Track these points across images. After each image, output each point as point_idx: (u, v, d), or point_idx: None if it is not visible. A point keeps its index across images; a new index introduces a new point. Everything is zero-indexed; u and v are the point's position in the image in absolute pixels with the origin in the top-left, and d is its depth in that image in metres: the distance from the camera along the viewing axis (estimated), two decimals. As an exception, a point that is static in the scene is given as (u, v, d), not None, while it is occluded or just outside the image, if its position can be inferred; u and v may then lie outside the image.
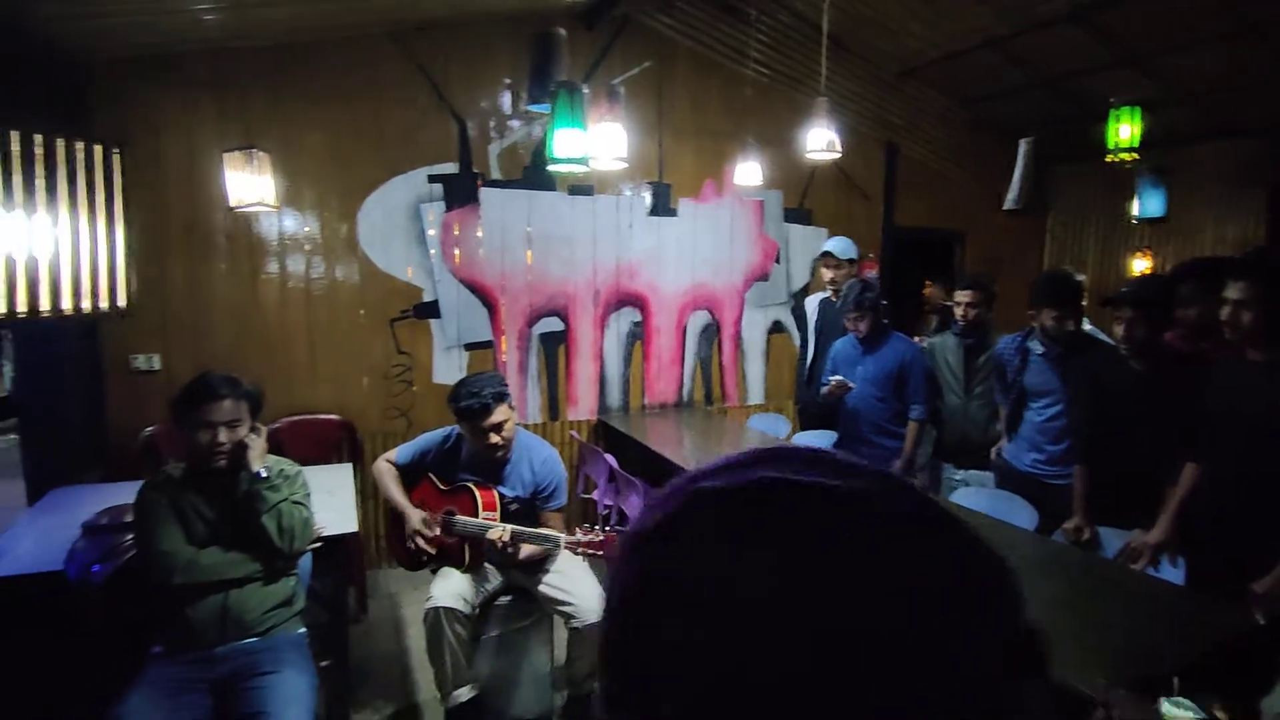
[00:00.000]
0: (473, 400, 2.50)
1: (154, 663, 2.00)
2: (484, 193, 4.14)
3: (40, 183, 0.99)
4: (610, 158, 2.03)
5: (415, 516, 2.60)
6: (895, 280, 5.31)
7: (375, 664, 3.14)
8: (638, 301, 4.62)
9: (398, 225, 3.98)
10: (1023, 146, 3.11)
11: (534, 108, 2.19)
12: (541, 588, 2.63)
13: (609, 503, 3.66)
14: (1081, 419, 2.74)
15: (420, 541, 2.55)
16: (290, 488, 2.13)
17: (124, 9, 2.66)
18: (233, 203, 2.76)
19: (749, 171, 3.81)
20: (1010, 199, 3.10)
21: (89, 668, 2.17)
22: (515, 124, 4.19)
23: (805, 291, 4.98)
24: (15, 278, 0.89)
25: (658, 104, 4.42)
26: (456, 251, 4.12)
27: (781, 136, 4.58)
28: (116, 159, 1.14)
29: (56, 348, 3.12)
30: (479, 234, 4.15)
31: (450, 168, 4.06)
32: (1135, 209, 4.73)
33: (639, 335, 4.65)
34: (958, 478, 3.40)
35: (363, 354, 3.98)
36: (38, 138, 1.01)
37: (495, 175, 4.16)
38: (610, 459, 3.61)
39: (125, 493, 2.71)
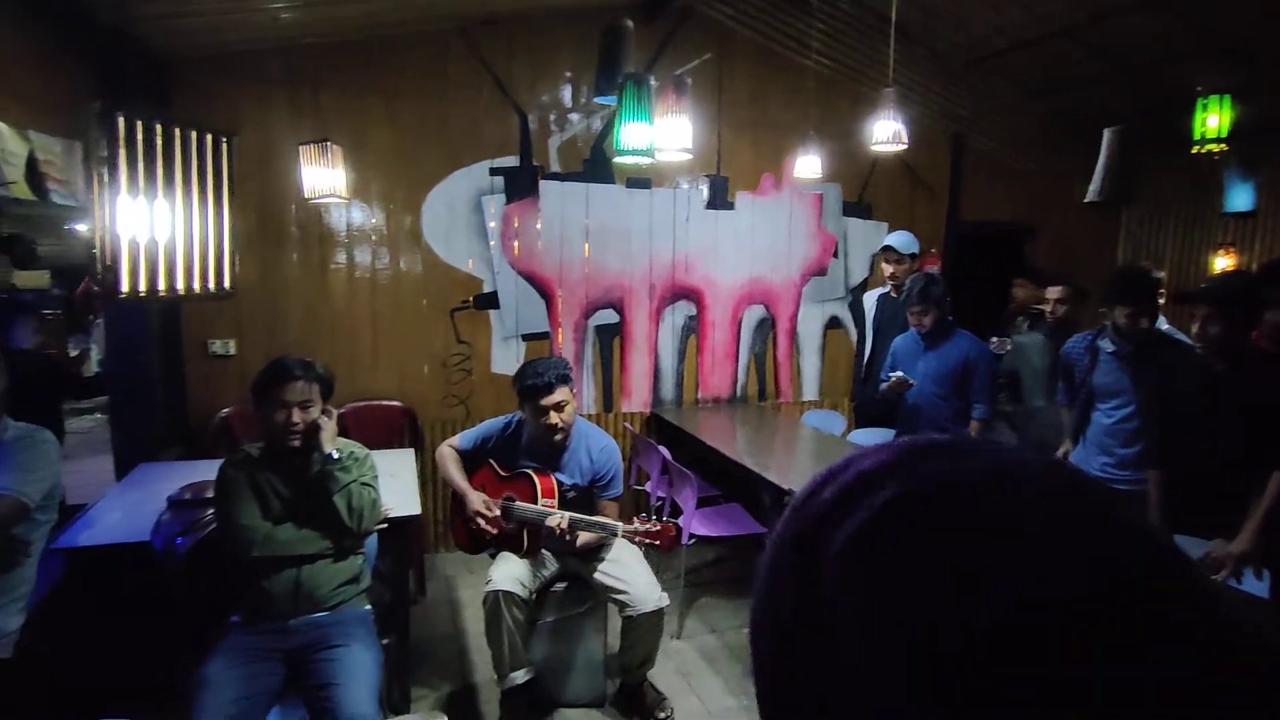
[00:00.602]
0: (536, 379, 2.57)
1: (233, 631, 2.10)
2: (543, 185, 4.19)
3: (160, 170, 1.05)
4: (675, 149, 2.03)
5: (476, 498, 2.66)
6: (959, 277, 5.17)
7: (433, 644, 3.23)
8: (693, 295, 4.62)
9: (460, 217, 4.07)
10: (1108, 135, 2.98)
11: (601, 99, 2.20)
12: (597, 575, 2.66)
13: (661, 494, 3.68)
14: (1155, 421, 2.63)
15: (481, 522, 2.61)
16: (360, 469, 2.21)
17: (208, 9, 2.78)
18: (307, 194, 2.86)
19: (808, 164, 3.76)
20: (1093, 191, 2.98)
21: (174, 632, 2.30)
22: (575, 117, 4.23)
23: (864, 287, 4.89)
24: (138, 260, 0.96)
25: (717, 96, 4.39)
26: (516, 243, 4.18)
27: (842, 129, 4.51)
28: (225, 148, 1.20)
29: (142, 332, 3.29)
30: (538, 226, 4.21)
31: (511, 161, 4.12)
32: (1221, 203, 4.50)
33: (693, 329, 4.65)
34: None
35: (424, 343, 4.08)
36: (158, 127, 1.07)
37: (555, 168, 4.21)
38: (664, 451, 3.63)
39: (204, 470, 2.86)
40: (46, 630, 1.95)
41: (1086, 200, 2.88)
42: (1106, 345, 2.86)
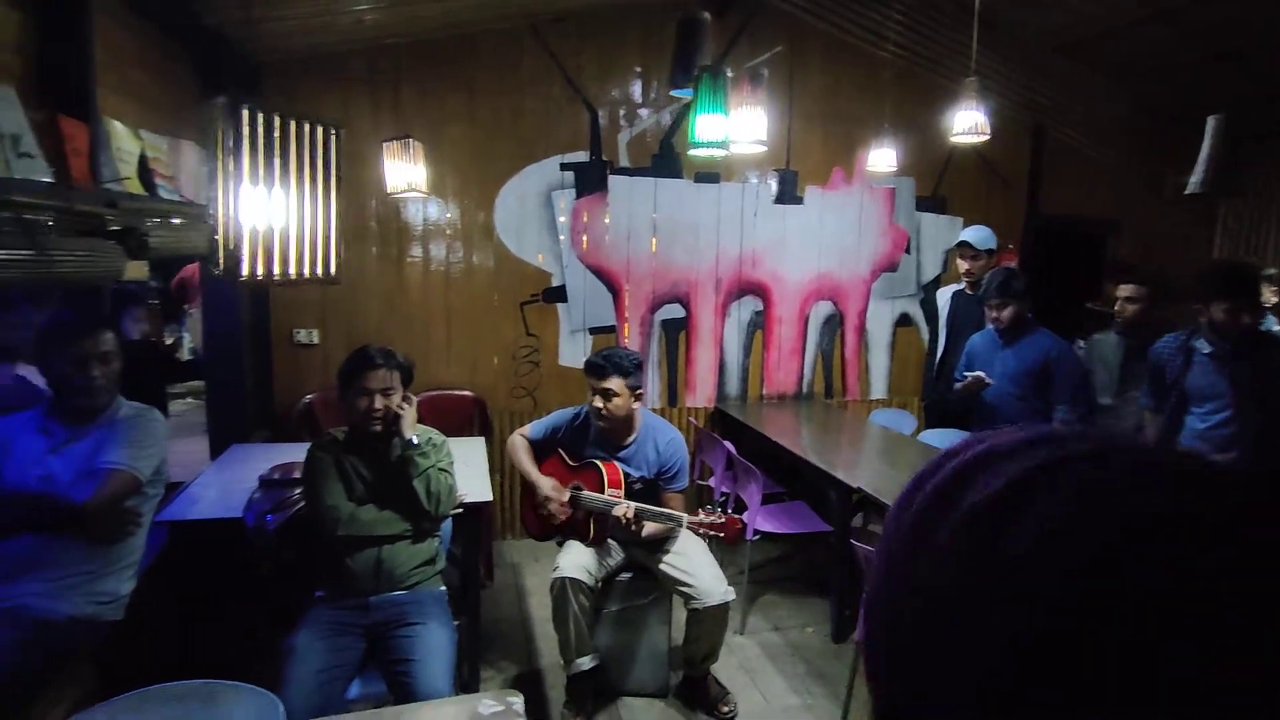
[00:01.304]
0: (597, 358, 2.66)
1: (317, 605, 2.21)
2: (612, 180, 4.23)
3: (277, 161, 1.12)
4: (750, 141, 2.03)
5: (545, 483, 2.72)
6: (1037, 274, 4.97)
7: (500, 628, 3.32)
8: (760, 290, 4.58)
9: (530, 212, 4.14)
10: (1211, 124, 2.81)
11: (676, 93, 2.21)
12: (663, 567, 2.68)
13: (726, 489, 3.67)
14: (1253, 426, 2.48)
15: (552, 507, 2.67)
16: (438, 455, 2.29)
17: (301, 12, 2.92)
18: (389, 189, 2.97)
19: (881, 158, 3.68)
20: (1193, 183, 2.81)
21: (261, 603, 2.44)
22: (644, 112, 4.25)
23: (936, 284, 4.76)
24: (257, 247, 1.03)
25: (788, 89, 4.34)
26: (584, 238, 4.24)
27: (917, 121, 4.39)
28: (334, 140, 1.27)
29: (234, 322, 3.49)
30: (606, 221, 4.25)
31: (581, 156, 4.17)
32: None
33: (760, 324, 4.62)
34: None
35: (494, 335, 4.18)
36: (276, 119, 1.14)
37: (624, 163, 4.24)
38: (729, 446, 3.62)
39: (290, 452, 3.01)
40: (153, 596, 2.09)
41: (1187, 193, 2.72)
42: (1202, 345, 2.71)
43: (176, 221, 2.29)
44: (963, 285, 3.89)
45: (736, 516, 2.46)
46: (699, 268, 4.44)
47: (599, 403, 2.65)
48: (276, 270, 1.11)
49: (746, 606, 3.49)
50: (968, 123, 2.57)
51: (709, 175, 4.38)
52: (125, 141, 2.30)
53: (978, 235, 3.75)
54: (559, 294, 4.24)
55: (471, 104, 3.97)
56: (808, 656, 3.16)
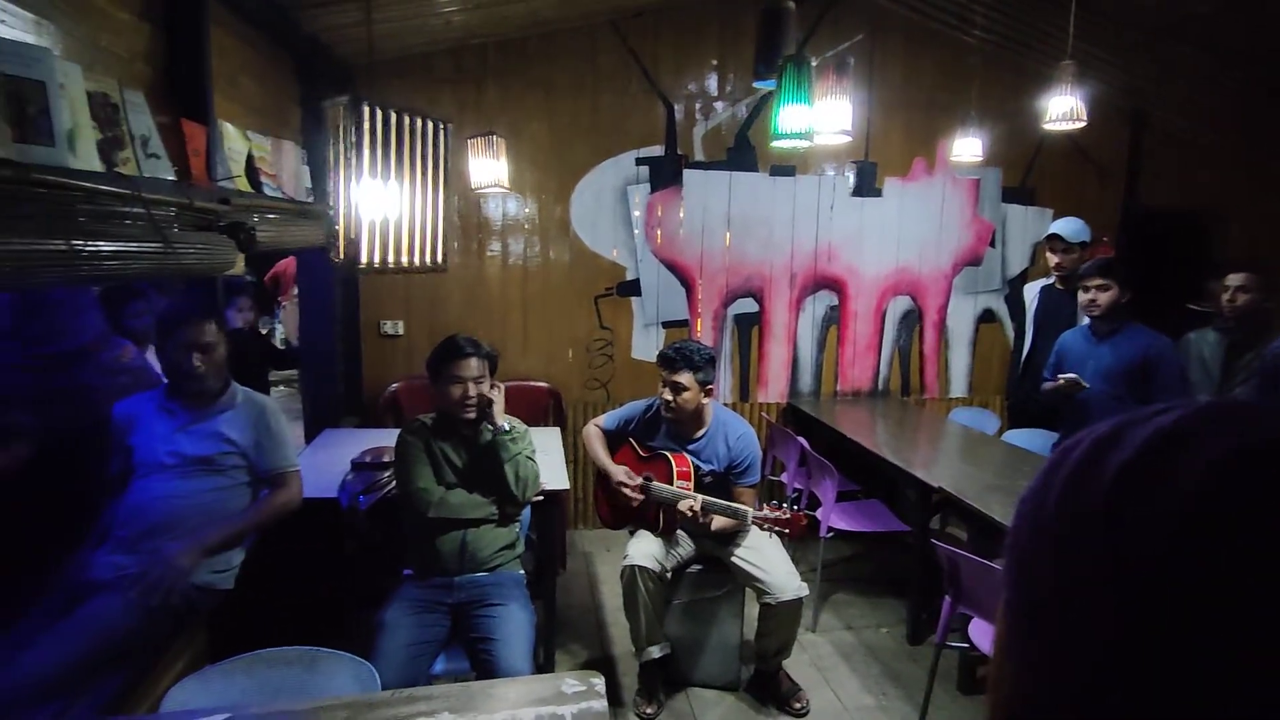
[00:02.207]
0: (669, 350, 2.68)
1: (406, 583, 2.31)
2: (687, 174, 4.23)
3: (393, 154, 1.19)
4: (834, 132, 2.00)
5: (618, 470, 2.76)
6: (1135, 269, 4.70)
7: (572, 614, 3.39)
8: (835, 285, 4.51)
9: (606, 206, 4.19)
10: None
11: (759, 84, 2.20)
12: (735, 560, 2.68)
13: (799, 486, 3.64)
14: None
15: (626, 491, 2.70)
16: (524, 441, 2.36)
17: (393, 15, 3.04)
18: (473, 185, 3.06)
19: (966, 147, 3.56)
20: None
21: (350, 579, 2.57)
22: (720, 106, 4.24)
23: (1023, 278, 4.57)
24: (375, 236, 1.09)
25: (868, 78, 4.24)
26: (658, 232, 4.26)
27: (1004, 109, 4.23)
28: (444, 134, 1.33)
29: (328, 313, 3.67)
30: (680, 215, 4.26)
31: (656, 150, 4.19)
32: None
33: (835, 319, 4.54)
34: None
35: (569, 328, 4.26)
36: (393, 114, 1.21)
37: (699, 157, 4.24)
38: (802, 441, 3.58)
39: (378, 437, 3.16)
40: (254, 568, 2.23)
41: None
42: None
43: (273, 217, 2.43)
44: (1052, 279, 3.72)
45: (803, 513, 2.44)
46: (773, 262, 4.40)
47: (668, 395, 2.67)
48: (391, 259, 1.17)
49: (819, 604, 3.45)
50: (1063, 108, 2.46)
51: (785, 168, 4.33)
52: (235, 142, 2.46)
53: (1070, 227, 3.57)
54: (633, 288, 4.28)
55: (550, 101, 4.05)
56: (882, 658, 3.10)
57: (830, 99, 1.97)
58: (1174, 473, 0.33)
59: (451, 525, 2.29)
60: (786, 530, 2.42)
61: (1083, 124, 2.50)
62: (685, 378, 2.65)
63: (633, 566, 2.60)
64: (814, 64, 1.91)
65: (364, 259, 1.11)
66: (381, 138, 1.20)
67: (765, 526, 2.45)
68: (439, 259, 1.31)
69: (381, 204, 1.19)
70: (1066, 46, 2.79)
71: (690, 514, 2.51)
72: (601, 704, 1.44)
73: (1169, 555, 0.32)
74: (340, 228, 1.13)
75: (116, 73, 1.78)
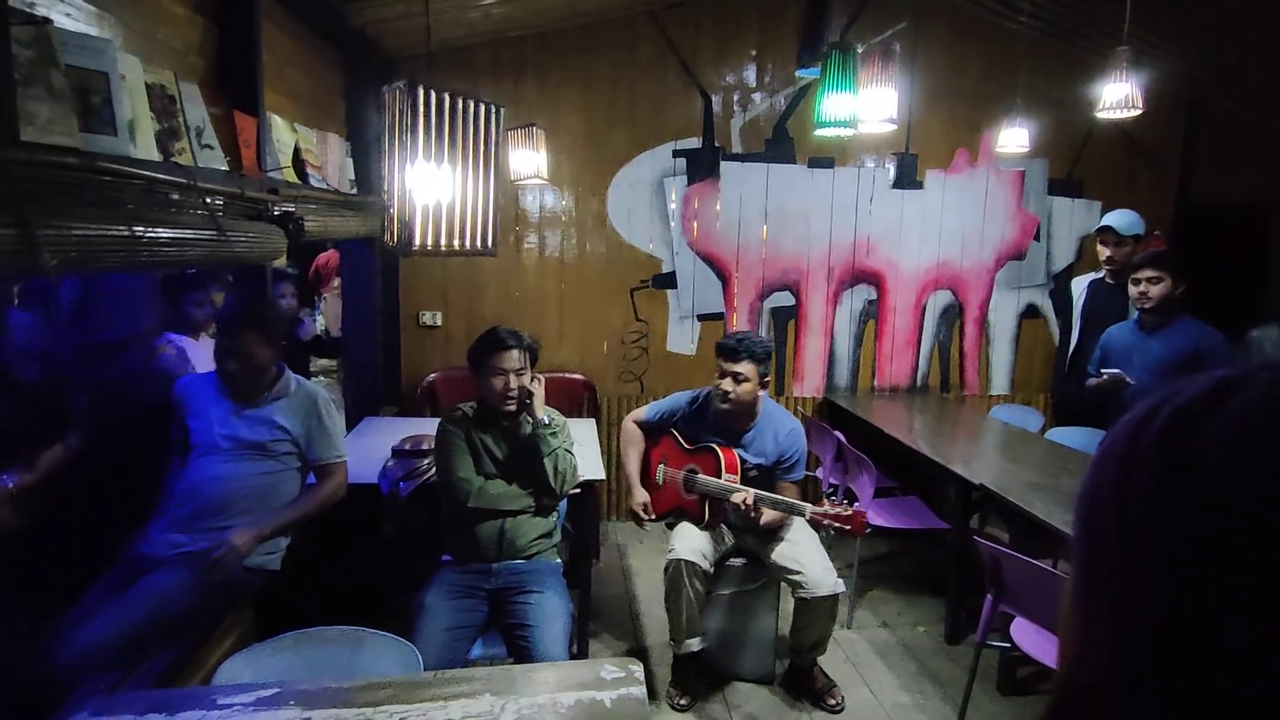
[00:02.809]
0: (730, 340, 2.65)
1: (445, 568, 2.35)
2: (724, 166, 4.21)
3: (446, 138, 1.21)
4: (879, 120, 1.97)
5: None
6: (1189, 265, 4.55)
7: (606, 605, 3.40)
8: (873, 278, 4.45)
9: (642, 199, 4.19)
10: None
11: (802, 72, 2.18)
12: (772, 555, 2.67)
13: (835, 481, 3.60)
14: None
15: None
16: (564, 435, 2.37)
17: (435, 8, 3.06)
18: (512, 176, 3.08)
19: (1011, 137, 3.47)
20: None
21: (387, 564, 2.62)
22: (758, 97, 4.20)
23: (1069, 273, 4.45)
24: (428, 220, 1.11)
25: (910, 67, 4.16)
26: (695, 224, 4.24)
27: (1051, 98, 4.13)
28: (495, 117, 1.35)
29: (369, 304, 3.74)
30: (717, 207, 4.24)
31: (694, 143, 4.18)
32: None
33: (873, 314, 4.48)
34: None
35: (605, 320, 4.27)
36: (446, 98, 1.22)
37: (736, 149, 4.21)
38: (839, 436, 3.54)
39: (417, 425, 3.19)
40: (303, 549, 2.29)
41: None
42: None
43: (318, 207, 2.48)
44: (1102, 274, 3.62)
45: (862, 509, 2.40)
46: (810, 255, 4.36)
47: (727, 385, 2.63)
48: (444, 242, 1.19)
49: (855, 601, 3.41)
50: (1117, 95, 2.39)
51: (823, 160, 4.28)
52: (283, 134, 2.51)
53: (1123, 220, 3.47)
54: (669, 280, 4.28)
55: (589, 93, 4.05)
56: (919, 656, 3.06)
57: (875, 87, 1.94)
58: (1227, 402, 0.33)
59: (490, 513, 2.31)
60: (849, 527, 2.37)
61: (1138, 112, 2.42)
62: (747, 368, 2.62)
63: (679, 561, 2.58)
64: (859, 51, 1.89)
65: (417, 242, 1.12)
66: (435, 121, 1.22)
67: (826, 522, 2.39)
68: (489, 242, 1.32)
69: (435, 188, 1.20)
70: (1117, 32, 2.70)
71: (744, 507, 2.49)
72: (640, 691, 1.45)
73: (1223, 472, 0.31)
74: (394, 211, 1.14)
75: (172, 65, 1.83)
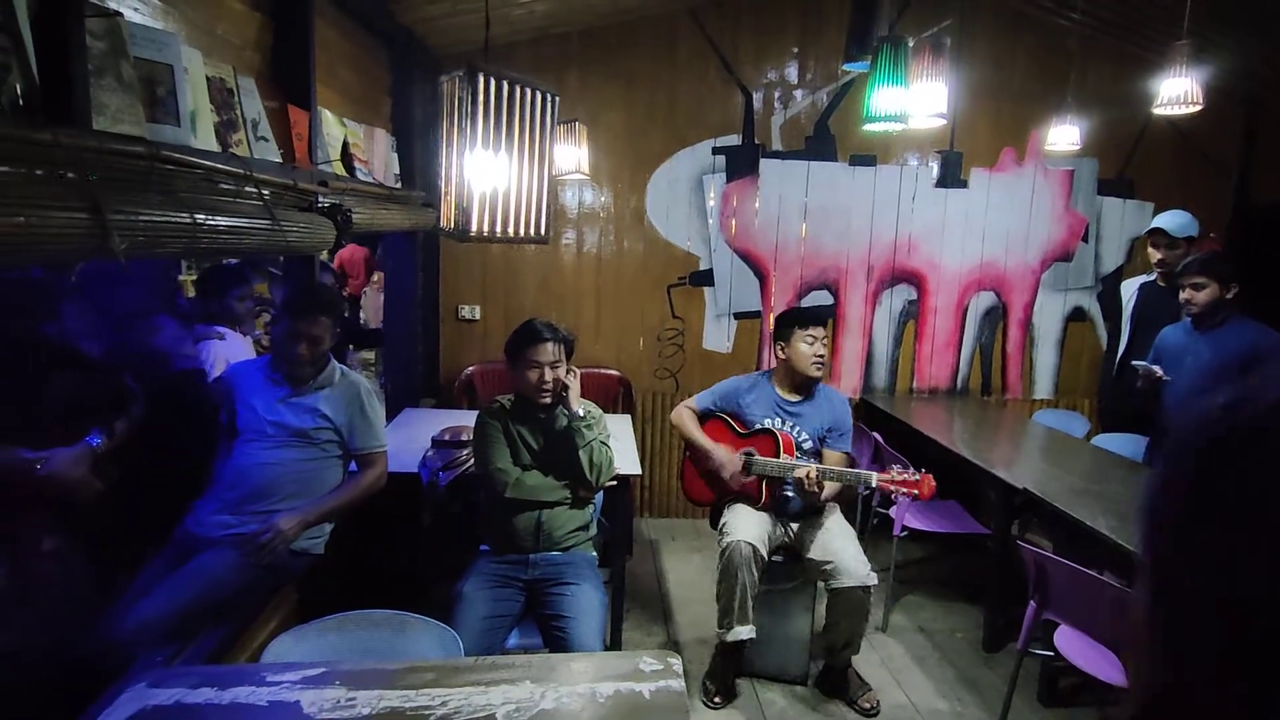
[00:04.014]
0: (808, 310, 2.88)
1: (483, 558, 2.37)
2: (764, 164, 4.18)
3: (504, 124, 1.22)
4: (929, 115, 1.94)
5: (721, 452, 2.76)
6: (1247, 270, 4.39)
7: (639, 600, 3.41)
8: (914, 279, 4.38)
9: (681, 196, 4.19)
10: None
11: (850, 66, 2.15)
12: (809, 547, 2.65)
13: (872, 483, 3.55)
14: None
15: (726, 475, 2.72)
16: (599, 427, 2.38)
17: (480, 5, 3.10)
18: (556, 171, 3.10)
19: (1062, 135, 3.39)
20: None
21: (434, 551, 2.65)
22: (799, 94, 4.16)
23: (1118, 276, 4.33)
24: (485, 207, 1.13)
25: (955, 64, 4.07)
26: (733, 222, 4.23)
27: (1102, 95, 4.02)
28: (551, 105, 1.36)
29: (409, 297, 3.79)
30: (756, 205, 4.22)
31: (734, 140, 4.16)
32: None
33: (913, 314, 4.41)
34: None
35: (641, 317, 4.27)
36: (505, 85, 1.24)
37: (776, 146, 4.18)
38: (877, 436, 3.50)
39: (456, 417, 3.24)
40: (346, 536, 2.34)
41: None
42: None
43: (361, 200, 2.53)
44: (1153, 276, 3.51)
45: (928, 473, 2.41)
46: (850, 254, 4.31)
47: (820, 350, 2.75)
48: (499, 229, 1.21)
49: (890, 604, 3.37)
50: (1176, 91, 2.32)
51: (865, 158, 4.22)
52: (332, 128, 2.56)
53: (1175, 221, 3.36)
54: (706, 278, 4.27)
55: (629, 91, 4.06)
56: (957, 662, 3.01)
57: (925, 81, 1.91)
58: None
59: (528, 504, 2.33)
60: (917, 491, 2.41)
61: (1198, 108, 2.35)
62: (826, 333, 2.80)
63: (738, 543, 2.56)
64: (911, 44, 1.86)
65: (474, 228, 1.14)
66: (494, 108, 1.23)
67: (894, 487, 2.46)
68: (543, 230, 1.33)
69: (492, 175, 1.22)
70: (1174, 28, 2.61)
71: (808, 482, 2.53)
72: (679, 684, 1.45)
73: None
74: (450, 198, 1.16)
75: (230, 59, 1.88)
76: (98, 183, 1.16)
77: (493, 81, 1.20)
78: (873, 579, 2.55)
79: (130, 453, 1.92)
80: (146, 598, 1.79)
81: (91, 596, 1.82)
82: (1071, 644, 2.26)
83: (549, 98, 1.31)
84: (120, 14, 1.32)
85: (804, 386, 2.83)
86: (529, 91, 1.27)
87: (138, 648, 1.69)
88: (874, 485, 2.50)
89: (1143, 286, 3.60)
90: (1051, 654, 2.32)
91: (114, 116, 1.29)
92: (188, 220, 1.36)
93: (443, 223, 1.25)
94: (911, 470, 2.41)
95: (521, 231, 1.25)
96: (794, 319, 2.81)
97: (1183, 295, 2.92)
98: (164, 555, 1.97)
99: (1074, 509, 2.52)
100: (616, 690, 1.42)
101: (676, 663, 1.51)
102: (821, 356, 2.75)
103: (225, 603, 1.90)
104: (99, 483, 1.79)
